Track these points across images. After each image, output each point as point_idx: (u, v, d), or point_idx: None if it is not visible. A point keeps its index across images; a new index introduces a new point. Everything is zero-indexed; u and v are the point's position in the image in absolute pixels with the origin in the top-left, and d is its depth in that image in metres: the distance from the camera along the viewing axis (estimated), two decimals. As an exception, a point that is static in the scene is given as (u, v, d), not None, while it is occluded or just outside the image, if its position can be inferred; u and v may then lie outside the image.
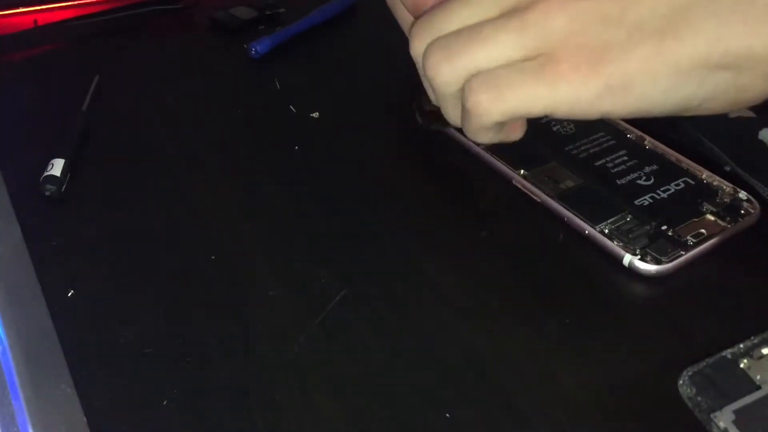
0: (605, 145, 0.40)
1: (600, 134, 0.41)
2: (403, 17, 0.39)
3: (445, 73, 0.32)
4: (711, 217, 0.35)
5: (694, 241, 0.34)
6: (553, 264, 0.35)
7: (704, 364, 0.29)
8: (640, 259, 0.33)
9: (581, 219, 0.35)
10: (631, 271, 0.34)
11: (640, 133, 0.41)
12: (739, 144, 0.41)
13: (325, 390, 0.29)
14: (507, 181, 0.39)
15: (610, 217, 0.35)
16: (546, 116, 0.31)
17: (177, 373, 0.30)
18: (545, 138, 0.41)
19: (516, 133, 0.35)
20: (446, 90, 0.33)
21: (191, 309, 0.33)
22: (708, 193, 0.37)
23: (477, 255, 0.36)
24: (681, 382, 0.28)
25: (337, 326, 0.32)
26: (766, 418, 0.27)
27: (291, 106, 0.46)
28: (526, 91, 0.31)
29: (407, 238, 0.37)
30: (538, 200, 0.37)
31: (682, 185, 0.37)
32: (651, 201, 0.36)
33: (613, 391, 0.29)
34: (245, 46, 0.51)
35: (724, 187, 0.37)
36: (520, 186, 0.38)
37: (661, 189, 0.37)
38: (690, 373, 0.29)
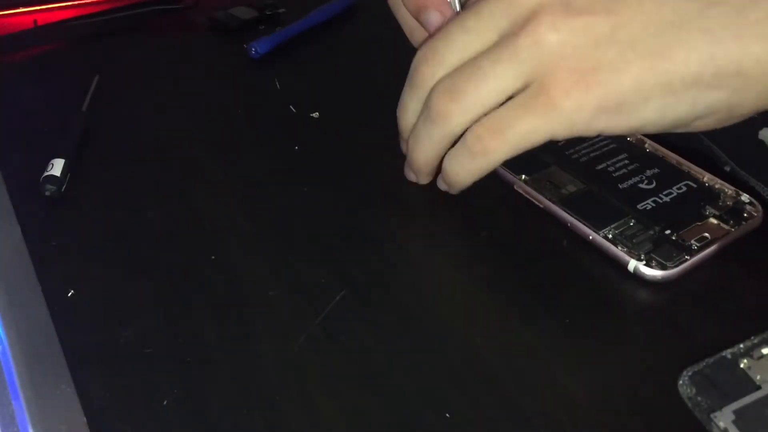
0: (605, 148, 0.40)
1: (600, 138, 0.41)
2: (405, 19, 0.39)
3: (455, 113, 0.33)
4: (714, 221, 0.35)
5: (698, 245, 0.34)
6: (555, 266, 0.35)
7: (704, 364, 0.29)
8: (645, 265, 0.33)
9: (585, 224, 0.35)
10: (636, 277, 0.33)
11: (639, 135, 0.41)
12: (739, 143, 0.41)
13: (325, 390, 0.29)
14: (508, 186, 0.39)
15: (614, 222, 0.35)
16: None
17: (177, 373, 0.30)
18: (545, 143, 0.40)
19: None
20: (454, 131, 0.34)
21: (191, 309, 0.33)
22: (710, 196, 0.37)
23: (478, 256, 0.36)
24: (681, 382, 0.28)
25: (337, 326, 0.32)
26: (766, 418, 0.27)
27: (291, 106, 0.46)
28: (524, 126, 0.32)
29: (407, 238, 0.37)
30: (541, 206, 0.37)
31: (684, 189, 0.37)
32: (654, 205, 0.36)
33: (613, 391, 0.29)
34: (245, 46, 0.51)
35: (726, 190, 0.37)
36: (521, 191, 0.38)
37: (664, 193, 0.37)
38: (690, 373, 0.29)
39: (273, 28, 0.53)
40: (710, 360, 0.29)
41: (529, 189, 0.38)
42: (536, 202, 0.37)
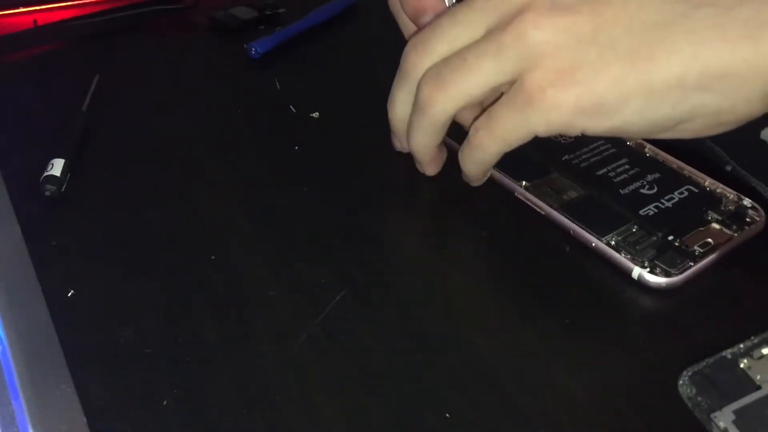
0: (605, 153, 0.40)
1: (600, 142, 0.40)
2: (405, 23, 0.40)
3: (439, 101, 0.34)
4: (717, 226, 0.35)
5: (701, 251, 0.34)
6: (556, 268, 0.35)
7: (704, 364, 0.29)
8: (649, 272, 0.33)
9: (587, 231, 0.35)
10: (640, 284, 0.33)
11: (639, 140, 0.41)
12: (741, 143, 0.41)
13: (325, 390, 0.29)
14: (509, 193, 0.38)
15: (616, 229, 0.35)
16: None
17: (177, 373, 0.30)
18: (545, 148, 0.40)
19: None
20: (440, 118, 0.35)
21: (191, 309, 0.33)
22: (712, 200, 0.37)
23: (478, 256, 0.36)
24: (681, 382, 0.28)
25: (337, 326, 0.32)
26: (766, 418, 0.27)
27: (291, 106, 0.46)
28: (507, 121, 0.33)
29: (407, 238, 0.37)
30: (542, 212, 0.37)
31: (686, 193, 0.37)
32: (656, 211, 0.36)
33: (613, 391, 0.29)
34: (245, 46, 0.51)
35: (728, 195, 0.37)
36: (522, 198, 0.38)
37: (665, 198, 0.37)
38: (690, 373, 0.29)
39: (273, 28, 0.53)
40: (710, 360, 0.29)
41: (530, 196, 0.37)
42: (537, 209, 0.37)
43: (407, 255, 0.36)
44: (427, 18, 0.37)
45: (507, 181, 0.38)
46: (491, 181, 0.39)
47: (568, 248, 0.35)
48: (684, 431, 0.28)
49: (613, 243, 0.34)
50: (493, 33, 0.32)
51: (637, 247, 0.34)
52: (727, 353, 0.29)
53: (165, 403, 0.29)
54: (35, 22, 0.56)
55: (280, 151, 0.42)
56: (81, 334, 0.32)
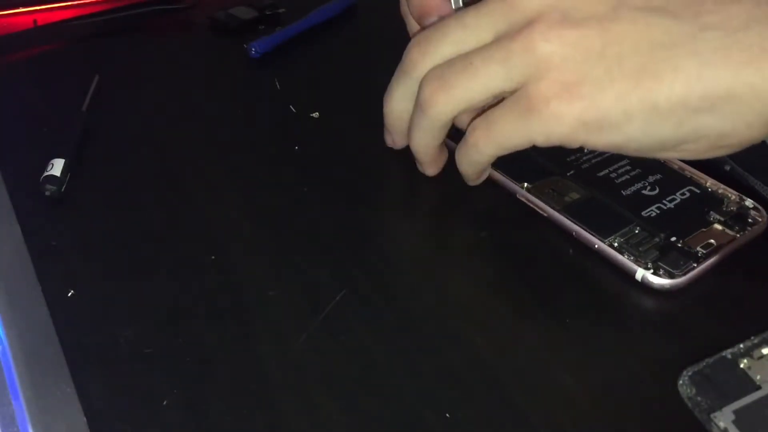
0: (606, 154, 0.40)
1: None
2: (411, 25, 0.40)
3: (440, 102, 0.34)
4: (719, 227, 0.35)
5: (704, 252, 0.34)
6: (556, 268, 0.35)
7: (704, 364, 0.29)
8: (653, 274, 0.33)
9: (590, 233, 0.35)
10: (642, 285, 0.33)
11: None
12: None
13: (325, 390, 0.29)
14: (511, 194, 0.38)
15: (619, 230, 0.35)
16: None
17: (177, 373, 0.30)
18: (547, 149, 0.39)
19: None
20: (440, 119, 0.35)
21: (191, 309, 0.33)
22: (714, 201, 0.37)
23: (479, 256, 0.36)
24: (681, 382, 0.28)
25: (337, 326, 0.32)
26: (766, 418, 0.27)
27: (291, 106, 0.46)
28: (506, 126, 0.33)
29: (407, 238, 0.37)
30: (545, 214, 0.37)
31: (688, 194, 0.37)
32: (658, 212, 0.36)
33: (613, 391, 0.29)
34: (245, 46, 0.51)
35: (730, 195, 0.37)
36: (524, 200, 0.37)
37: (667, 199, 0.37)
38: (690, 373, 0.29)
39: (273, 28, 0.53)
40: (710, 360, 0.29)
41: (531, 197, 0.37)
42: (540, 211, 0.37)
43: (407, 255, 0.36)
44: (431, 19, 0.37)
45: (508, 182, 0.38)
46: (492, 182, 0.39)
47: (571, 251, 0.35)
48: (684, 431, 0.28)
49: (616, 245, 0.34)
50: (501, 40, 0.32)
51: (640, 249, 0.34)
52: (727, 353, 0.29)
53: (165, 403, 0.29)
54: (35, 22, 0.56)
55: (280, 151, 0.42)
56: (81, 334, 0.32)
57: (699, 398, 0.28)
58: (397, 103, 0.37)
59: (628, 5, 0.30)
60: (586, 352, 0.31)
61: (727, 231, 0.35)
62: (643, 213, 0.36)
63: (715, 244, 0.34)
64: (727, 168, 0.40)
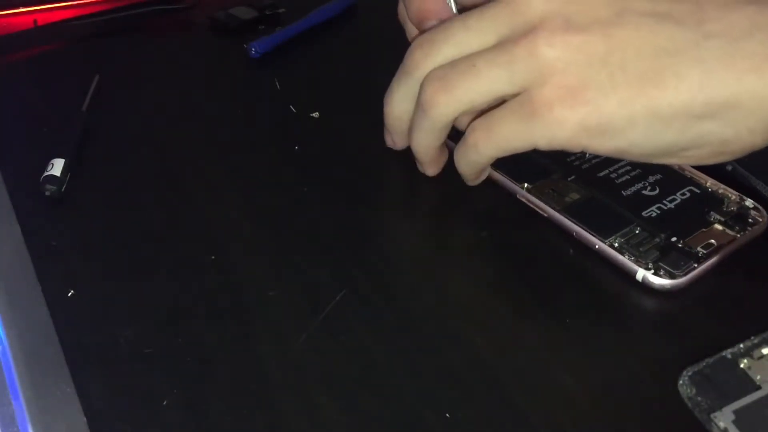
0: None
1: None
2: (410, 30, 0.40)
3: (442, 103, 0.34)
4: (719, 227, 0.35)
5: (704, 252, 0.34)
6: (556, 268, 0.35)
7: (704, 364, 0.29)
8: (653, 274, 0.33)
9: (590, 233, 0.35)
10: (643, 285, 0.33)
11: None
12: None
13: (325, 390, 0.29)
14: (511, 195, 0.38)
15: (619, 231, 0.35)
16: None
17: (177, 373, 0.30)
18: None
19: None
20: (441, 120, 0.35)
21: (191, 309, 0.33)
22: (714, 201, 0.37)
23: (479, 256, 0.36)
24: (681, 382, 0.29)
25: (337, 326, 0.32)
26: (766, 418, 0.27)
27: (291, 106, 0.46)
28: (508, 128, 0.33)
29: (407, 238, 0.37)
30: (545, 215, 0.37)
31: (688, 194, 0.37)
32: (658, 212, 0.36)
33: (613, 391, 0.29)
34: (245, 46, 0.51)
35: (730, 195, 0.37)
36: (524, 200, 0.37)
37: (667, 199, 0.37)
38: (690, 373, 0.29)
39: (273, 28, 0.53)
40: (710, 360, 0.29)
41: (532, 197, 0.37)
42: (540, 211, 0.37)
43: (407, 255, 0.36)
44: (431, 23, 0.37)
45: (509, 182, 0.38)
46: (492, 183, 0.39)
47: (571, 251, 0.35)
48: (684, 431, 0.28)
49: (616, 245, 0.34)
50: (505, 44, 0.32)
51: (641, 249, 0.34)
52: (727, 353, 0.29)
53: (165, 403, 0.29)
54: (35, 22, 0.56)
55: (280, 151, 0.42)
56: (81, 334, 0.32)
57: (699, 398, 0.28)
58: (398, 103, 0.37)
59: (632, 11, 0.30)
60: (587, 352, 0.31)
61: (728, 231, 0.35)
62: (643, 213, 0.36)
63: (715, 244, 0.34)
64: (729, 168, 0.40)
